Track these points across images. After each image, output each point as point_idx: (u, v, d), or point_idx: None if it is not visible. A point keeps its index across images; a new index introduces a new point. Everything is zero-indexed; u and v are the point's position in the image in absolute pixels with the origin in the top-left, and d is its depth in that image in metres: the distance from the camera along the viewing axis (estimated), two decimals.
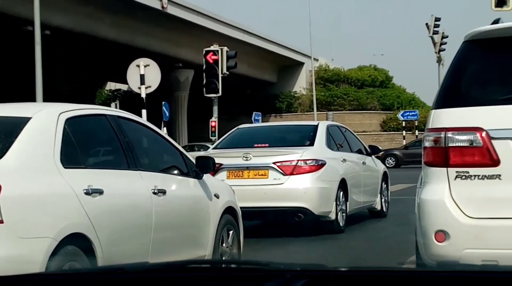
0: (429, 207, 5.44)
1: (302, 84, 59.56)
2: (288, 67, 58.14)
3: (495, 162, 5.28)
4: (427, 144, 5.54)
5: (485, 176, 5.31)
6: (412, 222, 5.72)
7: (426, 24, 46.84)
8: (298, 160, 11.44)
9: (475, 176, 5.34)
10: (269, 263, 2.34)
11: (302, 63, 58.62)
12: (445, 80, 5.68)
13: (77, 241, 5.43)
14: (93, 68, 47.08)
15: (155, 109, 24.03)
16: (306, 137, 12.49)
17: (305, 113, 55.68)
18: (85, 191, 5.62)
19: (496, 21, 5.91)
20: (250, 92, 55.06)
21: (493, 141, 5.30)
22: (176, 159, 7.28)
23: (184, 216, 7.11)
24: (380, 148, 15.03)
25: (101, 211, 5.75)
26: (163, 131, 13.86)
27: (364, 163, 13.55)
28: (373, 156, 14.33)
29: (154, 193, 6.50)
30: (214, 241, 7.40)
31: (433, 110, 5.60)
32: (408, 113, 52.07)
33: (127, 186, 6.28)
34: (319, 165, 11.55)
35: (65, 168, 5.60)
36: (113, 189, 5.97)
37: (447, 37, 47.72)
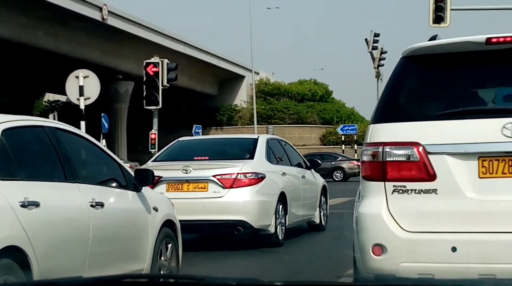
0: (366, 221, 5.48)
1: (242, 97, 59.68)
2: (229, 80, 58.22)
3: (432, 177, 5.35)
4: (365, 158, 5.59)
5: (422, 190, 5.37)
6: (350, 236, 5.75)
7: (366, 39, 47.36)
8: (238, 173, 11.43)
9: (412, 190, 5.40)
10: (205, 278, 2.33)
11: (243, 77, 58.75)
12: (383, 95, 5.74)
13: (12, 255, 5.33)
14: (32, 79, 46.45)
15: (94, 121, 23.82)
16: (246, 150, 12.49)
17: (246, 126, 55.78)
18: (21, 203, 5.53)
19: (433, 38, 6.00)
20: (186, 106, 54.79)
21: (430, 156, 5.37)
22: (114, 172, 7.21)
23: (122, 229, 7.04)
24: (319, 161, 15.11)
25: (37, 224, 5.66)
26: (102, 143, 13.74)
27: (303, 176, 13.61)
28: (312, 170, 14.40)
29: (92, 206, 6.43)
30: (153, 255, 7.35)
31: (371, 125, 5.65)
32: (347, 128, 52.59)
33: (64, 199, 6.20)
34: (258, 178, 11.57)
35: (1, 180, 5.51)
36: (49, 202, 5.89)
37: (385, 52, 48.33)
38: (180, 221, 8.17)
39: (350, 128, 52.42)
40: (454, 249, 5.20)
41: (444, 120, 5.44)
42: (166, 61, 23.51)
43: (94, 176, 7.05)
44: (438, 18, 28.22)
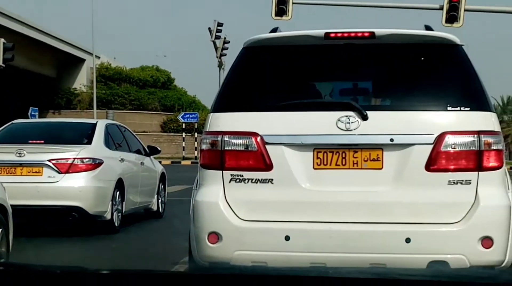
0: (203, 209, 5.50)
1: (82, 81, 58.46)
2: (69, 63, 56.83)
3: (268, 167, 5.44)
4: (204, 146, 5.60)
5: (258, 180, 5.45)
6: (187, 224, 5.76)
7: (209, 28, 47.56)
8: (74, 158, 11.21)
9: (249, 179, 5.46)
10: (26, 265, 2.23)
11: (84, 60, 57.53)
12: (224, 85, 5.77)
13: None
14: None
15: None
16: (84, 135, 12.26)
17: (85, 110, 54.71)
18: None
19: (274, 30, 6.08)
20: (23, 88, 53.08)
21: (267, 146, 5.45)
22: None
23: None
24: (159, 148, 15.04)
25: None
26: None
27: (142, 163, 13.52)
28: (151, 157, 14.33)
29: None
30: None
31: (211, 114, 5.67)
32: (188, 115, 52.58)
33: None
34: (96, 164, 11.38)
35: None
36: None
37: (228, 42, 48.71)
38: (12, 206, 7.91)
39: (191, 116, 52.45)
40: (287, 238, 5.30)
41: (283, 111, 5.53)
42: (2, 40, 22.69)
43: None
44: (281, 11, 28.72)
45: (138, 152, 13.70)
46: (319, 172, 5.42)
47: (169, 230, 12.02)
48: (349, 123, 5.37)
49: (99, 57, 58.49)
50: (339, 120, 5.38)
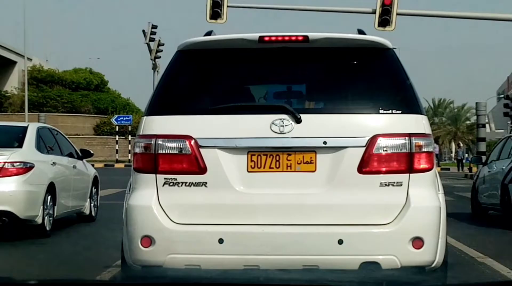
0: (136, 212, 5.47)
1: (14, 83, 57.56)
2: None
3: (202, 170, 5.43)
4: (137, 150, 5.57)
5: (192, 183, 5.43)
6: (120, 227, 5.71)
7: (143, 31, 47.25)
8: (4, 162, 11.02)
9: (182, 183, 5.45)
10: None
11: (15, 62, 56.65)
12: (157, 88, 5.75)
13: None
14: None
15: None
16: (14, 138, 12.06)
17: (16, 113, 53.83)
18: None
19: (208, 33, 6.08)
20: None
21: (201, 150, 5.44)
22: None
23: None
24: (92, 152, 14.87)
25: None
26: None
27: (74, 167, 13.36)
28: (84, 160, 14.18)
29: None
30: None
31: (145, 117, 5.64)
32: (122, 118, 52.19)
33: None
34: (27, 168, 11.21)
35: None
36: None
37: (163, 45, 48.46)
38: None
39: (125, 118, 52.06)
40: (221, 240, 5.30)
41: (217, 114, 5.52)
42: None
43: None
44: (216, 14, 28.70)
45: (70, 155, 13.54)
46: (253, 175, 5.44)
47: (102, 234, 11.91)
48: (282, 126, 5.40)
49: (31, 59, 57.66)
50: (273, 123, 5.41)
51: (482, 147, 32.54)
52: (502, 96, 52.08)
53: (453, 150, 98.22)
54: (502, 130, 46.46)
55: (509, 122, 34.76)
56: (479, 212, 15.64)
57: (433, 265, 5.44)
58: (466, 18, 33.71)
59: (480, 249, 10.07)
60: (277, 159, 5.43)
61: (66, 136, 14.52)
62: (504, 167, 13.98)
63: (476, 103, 34.24)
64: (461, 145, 59.84)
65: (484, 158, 17.60)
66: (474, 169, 32.10)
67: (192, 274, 5.19)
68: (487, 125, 38.61)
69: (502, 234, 12.56)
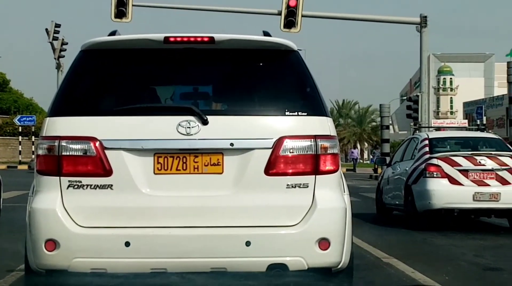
0: (39, 215, 5.35)
1: None
2: None
3: (108, 172, 5.35)
4: (40, 152, 5.45)
5: (98, 185, 5.35)
6: (24, 230, 5.58)
7: (46, 29, 46.42)
8: None
9: (87, 185, 5.36)
10: None
11: None
12: (61, 88, 5.64)
13: None
14: None
15: None
16: None
17: None
18: None
19: (113, 33, 6.00)
20: None
21: (107, 151, 5.36)
22: None
23: None
24: None
25: None
26: None
27: None
28: None
29: None
30: None
31: (48, 118, 5.52)
32: (25, 118, 51.19)
33: None
34: None
35: None
36: None
37: (67, 43, 47.71)
38: None
39: (28, 119, 51.08)
40: (127, 243, 5.24)
41: (122, 115, 5.46)
42: None
43: None
44: (120, 12, 28.41)
45: None
46: (159, 177, 5.39)
47: (5, 236, 11.63)
48: (189, 127, 5.37)
49: None
50: (179, 124, 5.37)
51: (386, 148, 33.16)
52: (405, 98, 53.26)
53: (358, 151, 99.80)
54: (406, 132, 47.48)
55: (411, 124, 35.55)
56: (383, 212, 15.93)
57: (339, 266, 5.50)
58: (369, 21, 34.36)
59: (385, 250, 10.25)
60: (184, 161, 5.40)
61: None
62: (407, 168, 14.28)
63: (380, 105, 34.88)
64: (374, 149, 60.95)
65: (388, 159, 17.95)
66: (379, 170, 32.71)
67: (94, 282, 5.14)
68: (391, 127, 39.39)
69: (406, 234, 12.83)
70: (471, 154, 13.47)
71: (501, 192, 13.05)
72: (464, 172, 13.19)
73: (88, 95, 5.68)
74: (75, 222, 5.32)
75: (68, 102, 5.56)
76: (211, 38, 5.64)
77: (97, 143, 5.36)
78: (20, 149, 50.56)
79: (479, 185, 13.09)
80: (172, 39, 5.63)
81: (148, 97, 5.88)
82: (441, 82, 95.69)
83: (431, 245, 11.36)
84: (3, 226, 13.33)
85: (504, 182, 13.15)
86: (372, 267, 8.91)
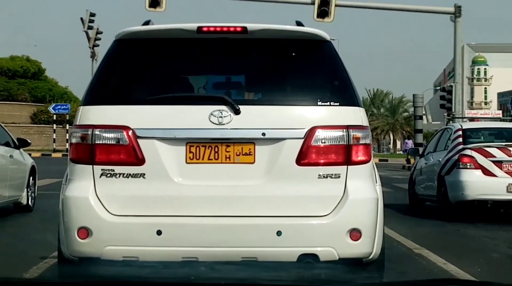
0: (72, 203, 5.40)
1: None
2: None
3: (140, 161, 5.38)
4: (74, 140, 5.50)
5: (130, 174, 5.39)
6: (58, 218, 5.64)
7: (81, 18, 46.67)
8: None
9: (120, 174, 5.40)
10: None
11: None
12: (95, 77, 5.68)
13: None
14: None
15: None
16: None
17: None
18: None
19: (146, 23, 6.03)
20: None
21: (139, 140, 5.39)
22: None
23: None
24: (29, 141, 14.64)
25: None
26: None
27: (11, 156, 13.15)
28: (21, 149, 13.96)
29: None
30: None
31: (81, 107, 5.57)
32: (59, 107, 51.54)
33: None
34: None
35: None
36: None
37: (101, 33, 47.94)
38: None
39: (62, 107, 51.41)
40: (159, 232, 5.28)
41: (155, 105, 5.48)
42: None
43: None
44: (155, 2, 28.51)
45: (6, 144, 13.31)
46: (191, 167, 5.41)
47: (39, 224, 11.76)
48: (221, 117, 5.39)
49: None
50: (211, 114, 5.39)
51: (419, 138, 33.00)
52: (439, 88, 52.87)
53: (391, 141, 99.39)
54: (439, 122, 47.18)
55: (445, 114, 35.29)
56: (416, 203, 15.85)
57: (370, 257, 5.49)
58: (403, 11, 34.10)
59: (417, 241, 10.20)
60: (216, 150, 5.42)
61: (3, 125, 14.28)
62: (440, 159, 14.19)
63: (414, 95, 34.69)
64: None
65: (421, 149, 17.84)
66: (412, 161, 32.53)
67: (126, 272, 5.17)
68: (424, 117, 39.14)
69: (439, 225, 12.75)
70: (505, 145, 13.34)
71: None
72: (498, 163, 13.07)
73: (122, 84, 5.72)
74: (107, 211, 5.37)
75: (102, 91, 5.61)
76: (244, 28, 5.64)
77: (130, 132, 5.39)
78: (54, 137, 50.97)
79: None
80: (205, 29, 5.64)
81: (181, 87, 5.91)
82: (475, 72, 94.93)
83: (463, 237, 11.29)
84: (38, 214, 13.48)
85: None
86: (403, 258, 8.88)
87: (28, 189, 13.86)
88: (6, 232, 11.34)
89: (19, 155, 13.71)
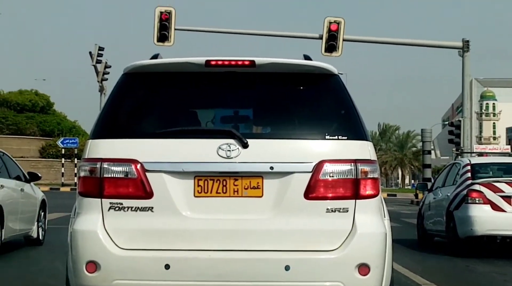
0: (80, 237, 5.39)
1: None
2: None
3: (149, 195, 5.38)
4: (82, 174, 5.50)
5: (138, 208, 5.38)
6: (67, 252, 5.63)
7: (90, 52, 46.98)
8: None
9: (128, 207, 5.39)
10: None
11: None
12: (103, 111, 5.70)
13: None
14: None
15: None
16: None
17: None
18: None
19: (155, 56, 6.06)
20: None
21: (148, 174, 5.39)
22: None
23: None
24: (40, 175, 14.68)
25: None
26: None
27: (22, 190, 13.19)
28: (31, 183, 14.00)
29: None
30: None
31: (90, 140, 5.58)
32: (68, 141, 51.68)
33: None
34: None
35: None
36: None
37: (110, 67, 48.23)
38: None
39: (71, 141, 51.56)
40: (167, 266, 5.26)
41: (163, 138, 5.49)
42: None
43: None
44: (163, 37, 28.68)
45: (18, 178, 13.37)
46: (200, 200, 5.40)
47: (49, 257, 11.76)
48: (229, 150, 5.39)
49: None
50: (219, 147, 5.40)
51: (428, 173, 32.94)
52: (447, 123, 52.86)
53: (400, 176, 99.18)
54: (447, 157, 47.07)
55: (454, 149, 35.27)
56: (425, 238, 15.78)
57: None
58: (410, 45, 34.22)
59: (426, 276, 10.15)
60: (224, 184, 5.41)
61: (13, 159, 14.32)
62: (449, 194, 14.15)
63: (422, 129, 34.69)
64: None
65: (429, 184, 17.80)
66: (421, 196, 32.43)
67: None
68: (432, 152, 39.11)
69: (448, 260, 12.69)
70: None
71: None
72: (507, 198, 13.03)
73: (130, 117, 5.73)
74: (115, 244, 5.35)
75: (110, 125, 5.62)
76: (252, 62, 5.66)
77: (138, 166, 5.40)
78: (63, 171, 51.04)
79: None
80: (213, 62, 5.67)
81: (189, 120, 5.91)
82: (484, 107, 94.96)
83: (473, 272, 11.22)
84: (48, 247, 13.48)
85: None
86: None
87: (39, 223, 13.88)
88: (16, 265, 11.34)
89: (30, 189, 13.74)
